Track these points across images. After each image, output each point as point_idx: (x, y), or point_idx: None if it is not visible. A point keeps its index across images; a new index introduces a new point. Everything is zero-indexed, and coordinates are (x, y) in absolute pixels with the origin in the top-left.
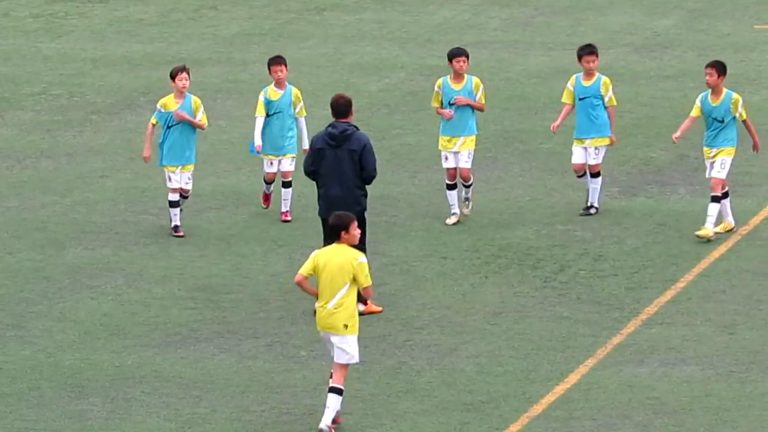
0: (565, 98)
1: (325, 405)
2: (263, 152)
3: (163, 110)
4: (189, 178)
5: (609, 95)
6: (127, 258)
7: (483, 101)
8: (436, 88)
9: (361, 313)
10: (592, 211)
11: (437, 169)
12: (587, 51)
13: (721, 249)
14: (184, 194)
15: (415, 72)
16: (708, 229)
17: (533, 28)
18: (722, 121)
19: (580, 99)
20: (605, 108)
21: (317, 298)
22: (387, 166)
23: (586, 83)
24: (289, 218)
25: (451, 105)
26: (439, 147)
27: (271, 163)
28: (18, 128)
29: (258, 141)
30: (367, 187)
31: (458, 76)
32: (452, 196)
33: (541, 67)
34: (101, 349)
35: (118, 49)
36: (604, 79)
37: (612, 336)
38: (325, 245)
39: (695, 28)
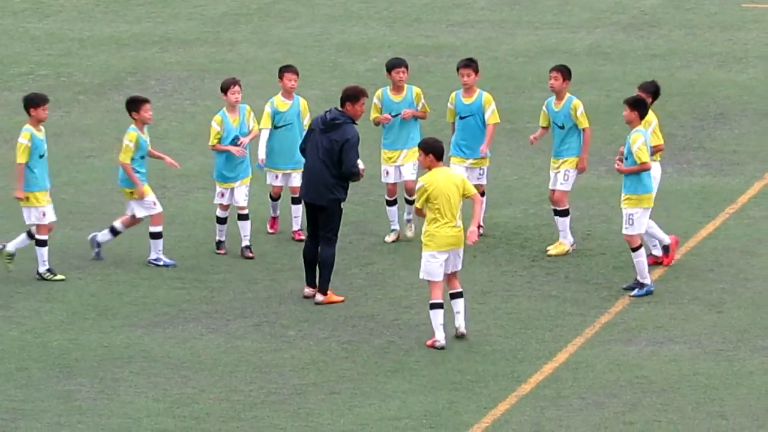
0: (491, 119)
1: (454, 310)
2: (269, 165)
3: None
4: (246, 195)
5: (490, 111)
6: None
7: (426, 109)
8: (375, 100)
9: (317, 303)
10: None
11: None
12: (463, 64)
13: (709, 228)
14: (241, 212)
15: (402, 51)
16: (564, 244)
17: (520, 7)
18: (563, 128)
19: (461, 117)
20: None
21: (434, 223)
22: (375, 146)
23: (467, 100)
24: (302, 237)
25: (395, 116)
26: (381, 161)
27: (277, 177)
28: (5, 108)
29: (262, 155)
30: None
31: (398, 87)
32: (392, 212)
33: (529, 46)
34: (89, 330)
35: (106, 29)
36: (486, 95)
37: (600, 315)
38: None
39: (682, 7)
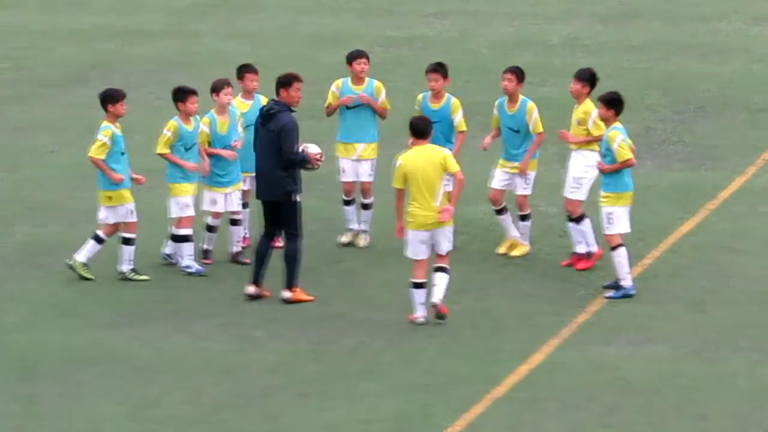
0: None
1: (432, 282)
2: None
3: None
4: (240, 199)
5: (459, 118)
6: (77, 236)
7: (386, 105)
8: (333, 88)
9: (284, 301)
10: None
11: (400, 142)
12: (431, 68)
13: (689, 224)
14: (234, 217)
15: (374, 43)
16: (524, 245)
17: None
18: (518, 132)
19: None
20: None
21: (413, 202)
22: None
23: (435, 106)
24: (279, 243)
25: (348, 109)
26: (336, 154)
27: (245, 181)
28: None
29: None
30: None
31: (359, 79)
32: (349, 212)
33: (504, 37)
34: (50, 330)
35: (68, 20)
36: (454, 101)
37: (577, 314)
38: (264, 227)
39: None
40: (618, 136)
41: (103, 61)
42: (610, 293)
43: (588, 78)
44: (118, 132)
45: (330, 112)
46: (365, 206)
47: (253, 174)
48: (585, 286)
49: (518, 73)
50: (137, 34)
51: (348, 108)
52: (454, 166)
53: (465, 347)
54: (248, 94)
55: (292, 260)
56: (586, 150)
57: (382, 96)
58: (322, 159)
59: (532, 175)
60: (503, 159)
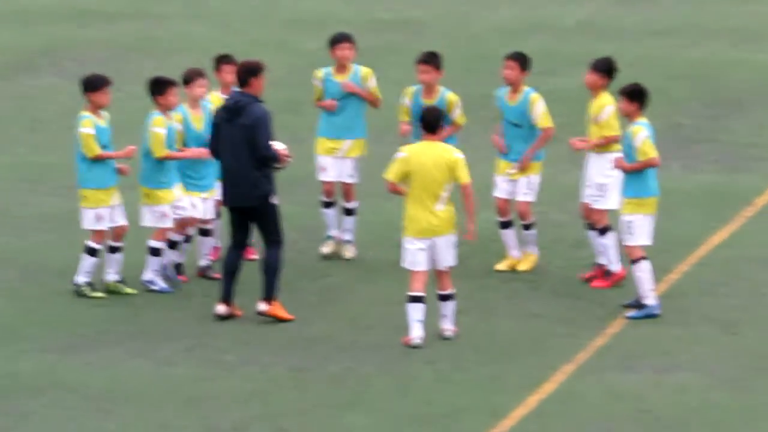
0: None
1: (441, 313)
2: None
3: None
4: (214, 207)
5: (457, 113)
6: (23, 247)
7: (377, 93)
8: (315, 81)
9: (260, 313)
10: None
11: (388, 141)
12: (421, 59)
13: (722, 234)
14: (206, 227)
15: (362, 27)
16: (533, 254)
17: None
18: (520, 126)
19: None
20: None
21: (412, 204)
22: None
23: (428, 102)
24: (254, 256)
25: (339, 100)
26: (317, 152)
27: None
28: None
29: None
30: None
31: (342, 67)
32: (329, 216)
33: (511, 21)
34: None
35: (12, 2)
36: (450, 96)
37: (594, 337)
38: (233, 237)
39: None
40: (642, 132)
41: (53, 47)
42: (632, 313)
43: (605, 68)
44: (101, 123)
45: (317, 104)
46: (348, 211)
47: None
48: (602, 304)
49: (521, 60)
50: (92, 16)
51: (333, 98)
52: (465, 176)
53: (465, 374)
54: (226, 88)
55: (273, 270)
56: (606, 152)
57: (371, 83)
58: (290, 156)
59: (535, 179)
60: (504, 160)
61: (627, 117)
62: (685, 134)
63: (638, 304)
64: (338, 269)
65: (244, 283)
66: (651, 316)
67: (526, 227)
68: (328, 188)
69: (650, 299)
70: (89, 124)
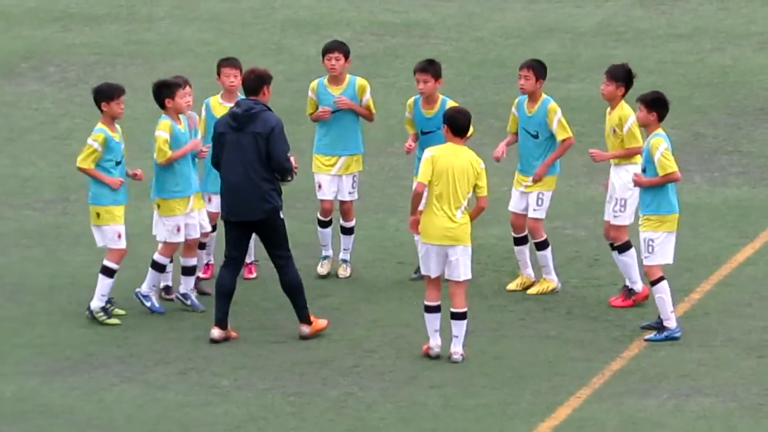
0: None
1: (452, 334)
2: (201, 189)
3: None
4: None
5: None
6: (3, 264)
7: (372, 107)
8: (310, 93)
9: (305, 337)
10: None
11: (391, 152)
12: (419, 68)
13: (747, 251)
14: (202, 240)
15: (363, 30)
16: (548, 281)
17: None
18: (536, 137)
19: (423, 132)
20: None
21: (433, 208)
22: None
23: (428, 112)
24: (253, 275)
25: (334, 112)
26: (313, 169)
27: (210, 200)
28: None
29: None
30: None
31: (336, 78)
32: (325, 235)
33: (522, 24)
34: None
35: None
36: (451, 104)
37: (611, 360)
38: (229, 254)
39: None
40: (662, 144)
41: (36, 52)
42: (651, 335)
43: (623, 76)
44: (116, 137)
45: (315, 120)
46: (345, 230)
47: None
48: (620, 326)
49: (537, 69)
50: (77, 19)
51: (333, 112)
52: (485, 188)
53: (475, 400)
54: (228, 94)
55: (298, 289)
56: (628, 164)
57: (366, 96)
58: (296, 170)
59: (547, 194)
60: (520, 173)
61: (645, 127)
62: (708, 145)
63: (658, 326)
64: (338, 288)
65: (237, 303)
66: (672, 338)
67: (538, 246)
68: (326, 206)
69: (671, 321)
70: (99, 139)
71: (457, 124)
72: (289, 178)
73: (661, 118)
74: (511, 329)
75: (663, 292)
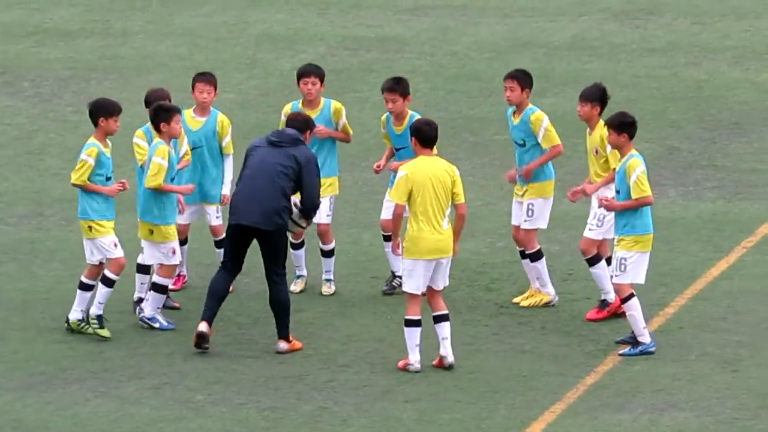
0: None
1: (440, 336)
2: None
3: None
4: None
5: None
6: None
7: (348, 130)
8: (283, 117)
9: (281, 352)
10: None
11: (365, 167)
12: (386, 87)
13: (721, 265)
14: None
15: (338, 45)
16: (542, 293)
17: None
18: (523, 145)
19: (396, 149)
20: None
21: (417, 224)
22: None
23: (398, 129)
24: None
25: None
26: None
27: (181, 212)
28: None
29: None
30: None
31: (310, 102)
32: (298, 256)
33: (496, 38)
34: None
35: None
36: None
37: (585, 374)
38: (229, 263)
39: None
40: (638, 167)
41: (9, 67)
42: (625, 350)
43: (597, 96)
44: (107, 153)
45: None
46: (325, 253)
47: (210, 203)
48: (594, 340)
49: (521, 79)
50: (50, 34)
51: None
52: (462, 194)
53: (449, 414)
54: (201, 109)
55: (286, 307)
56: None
57: (342, 119)
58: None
59: (537, 203)
60: (518, 183)
61: (618, 149)
62: (682, 159)
63: (633, 341)
64: (312, 303)
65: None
66: (646, 353)
67: (531, 258)
68: (299, 231)
69: (645, 337)
70: (93, 154)
71: (423, 135)
72: (313, 215)
73: (631, 136)
74: (485, 344)
75: (634, 309)
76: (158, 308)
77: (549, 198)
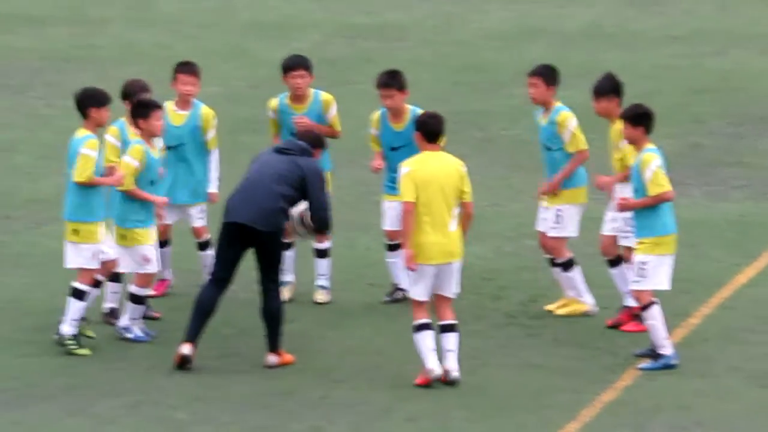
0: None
1: (444, 348)
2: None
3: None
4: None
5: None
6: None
7: (337, 125)
8: (269, 113)
9: (271, 367)
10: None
11: (364, 163)
12: (381, 83)
13: (749, 272)
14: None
15: (333, 33)
16: (579, 302)
17: None
18: (550, 149)
19: (393, 149)
20: None
21: (423, 225)
22: None
23: (397, 126)
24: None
25: (293, 135)
26: None
27: (159, 216)
28: None
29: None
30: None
31: (298, 97)
32: (288, 258)
33: (505, 26)
34: None
35: None
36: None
37: (601, 391)
38: (219, 272)
39: None
40: (653, 161)
41: None
42: (645, 363)
43: (611, 89)
44: (98, 146)
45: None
46: (319, 253)
47: (193, 204)
48: (611, 353)
49: (545, 75)
50: (19, 21)
51: (291, 134)
52: (470, 193)
53: None
54: (183, 102)
55: (279, 319)
56: None
57: (332, 112)
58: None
59: (566, 209)
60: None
61: (633, 143)
62: (707, 156)
63: (653, 354)
64: (304, 313)
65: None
66: (668, 367)
67: (562, 267)
68: (288, 228)
69: (667, 348)
70: (95, 146)
71: (429, 129)
72: (326, 231)
73: (648, 130)
74: (492, 357)
75: (655, 318)
76: (135, 319)
77: (579, 205)
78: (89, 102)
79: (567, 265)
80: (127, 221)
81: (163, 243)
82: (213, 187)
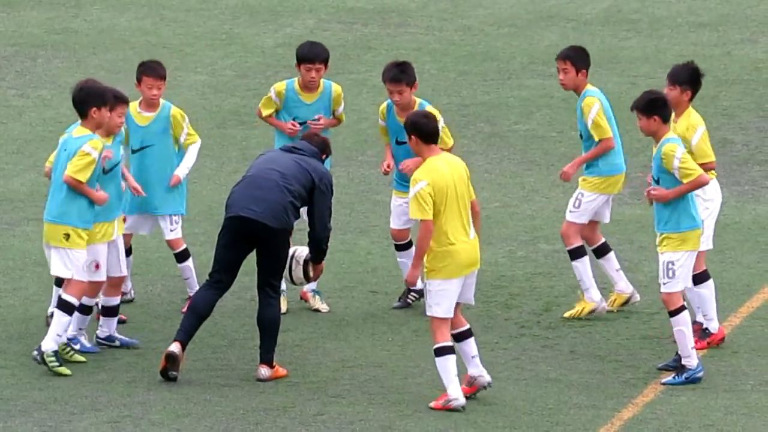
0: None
1: (469, 355)
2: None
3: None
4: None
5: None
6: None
7: (343, 118)
8: (273, 95)
9: (262, 380)
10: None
11: (362, 161)
12: (389, 77)
13: None
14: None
15: (330, 18)
16: (584, 302)
17: None
18: (581, 136)
19: (398, 142)
20: None
21: (447, 236)
22: None
23: (403, 120)
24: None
25: (302, 124)
26: None
27: (125, 219)
28: None
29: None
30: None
31: (309, 87)
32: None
33: (515, 10)
34: None
35: None
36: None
37: (621, 407)
38: (218, 275)
39: None
40: (677, 149)
41: None
42: (669, 377)
43: (688, 79)
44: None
45: (263, 120)
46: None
47: (146, 214)
48: (632, 367)
49: (574, 58)
50: None
51: (302, 124)
52: (472, 191)
53: None
54: (150, 103)
55: (276, 326)
56: None
57: (340, 108)
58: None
59: (587, 195)
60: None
61: (651, 135)
62: (737, 153)
63: (677, 366)
64: (299, 323)
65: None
66: (693, 381)
67: (570, 255)
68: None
69: (692, 360)
70: (98, 147)
71: (425, 130)
72: (324, 247)
73: (665, 119)
74: (504, 370)
75: (684, 324)
76: (81, 329)
77: (602, 195)
78: (91, 101)
79: (574, 254)
80: (77, 219)
81: (125, 251)
82: (180, 171)
